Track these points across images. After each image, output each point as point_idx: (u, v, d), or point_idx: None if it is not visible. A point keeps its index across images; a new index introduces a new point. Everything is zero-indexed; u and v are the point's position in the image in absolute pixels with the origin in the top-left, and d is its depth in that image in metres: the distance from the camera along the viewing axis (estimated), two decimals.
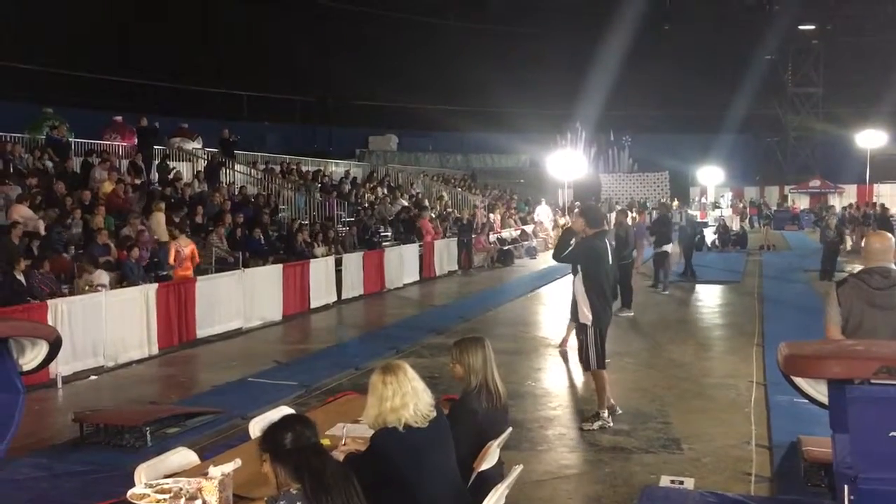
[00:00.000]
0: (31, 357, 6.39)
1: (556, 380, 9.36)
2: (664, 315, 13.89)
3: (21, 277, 10.51)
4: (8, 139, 17.66)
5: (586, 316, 7.19)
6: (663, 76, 41.80)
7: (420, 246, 20.29)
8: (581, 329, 7.33)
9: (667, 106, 45.31)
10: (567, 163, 34.95)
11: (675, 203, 36.24)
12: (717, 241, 28.02)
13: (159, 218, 14.80)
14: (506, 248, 24.77)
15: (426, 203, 26.57)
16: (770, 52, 46.53)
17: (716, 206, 43.63)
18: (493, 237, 25.17)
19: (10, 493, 5.69)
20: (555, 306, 14.88)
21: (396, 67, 39.79)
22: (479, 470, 3.99)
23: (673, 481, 5.84)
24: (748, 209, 41.25)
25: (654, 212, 22.87)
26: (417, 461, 3.67)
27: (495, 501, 3.63)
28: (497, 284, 19.24)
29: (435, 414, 3.84)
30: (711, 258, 23.72)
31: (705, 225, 34.19)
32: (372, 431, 3.78)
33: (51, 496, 5.51)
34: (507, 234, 26.90)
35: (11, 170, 15.19)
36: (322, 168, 27.79)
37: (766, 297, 15.64)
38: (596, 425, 7.16)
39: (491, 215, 27.42)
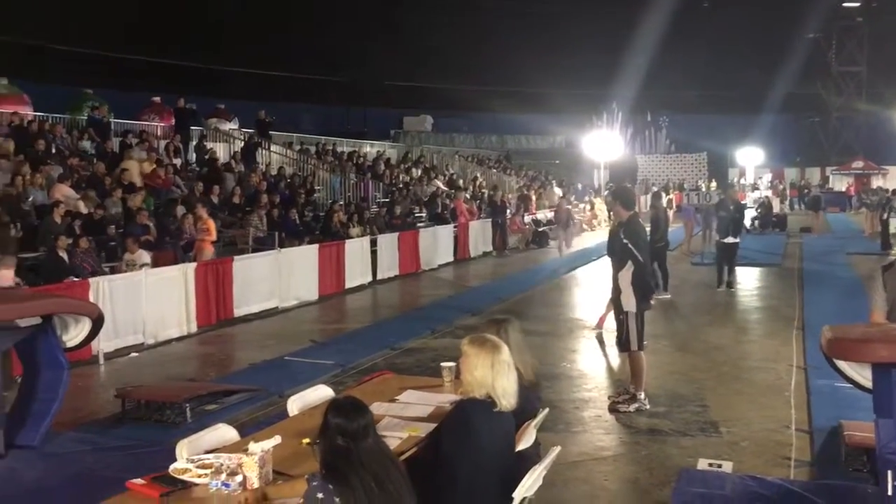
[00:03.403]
0: (74, 334, 6.54)
1: (591, 361, 9.31)
2: (702, 298, 13.73)
3: (64, 255, 10.71)
4: (49, 120, 17.94)
5: (630, 303, 7.11)
6: (702, 55, 41.15)
7: (454, 227, 20.27)
8: (622, 312, 7.25)
9: (706, 86, 44.60)
10: (603, 144, 34.61)
11: (713, 185, 35.71)
12: (756, 224, 27.60)
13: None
14: (541, 229, 24.65)
15: (461, 184, 26.53)
16: (813, 30, 45.51)
17: (755, 187, 42.97)
18: (527, 218, 25.06)
19: (56, 466, 5.82)
20: (590, 288, 14.80)
21: (432, 48, 39.63)
22: (517, 450, 3.98)
23: (711, 464, 5.79)
24: (788, 191, 40.56)
25: (717, 196, 22.21)
26: (479, 443, 3.65)
27: (533, 482, 3.62)
28: (531, 266, 19.17)
29: (515, 403, 3.80)
30: (751, 241, 23.37)
31: (745, 206, 33.68)
32: None
33: (95, 470, 5.62)
34: (541, 215, 26.75)
35: (53, 150, 15.44)
36: (357, 149, 27.86)
37: (807, 280, 15.37)
38: (632, 407, 7.11)
39: (526, 196, 27.29)
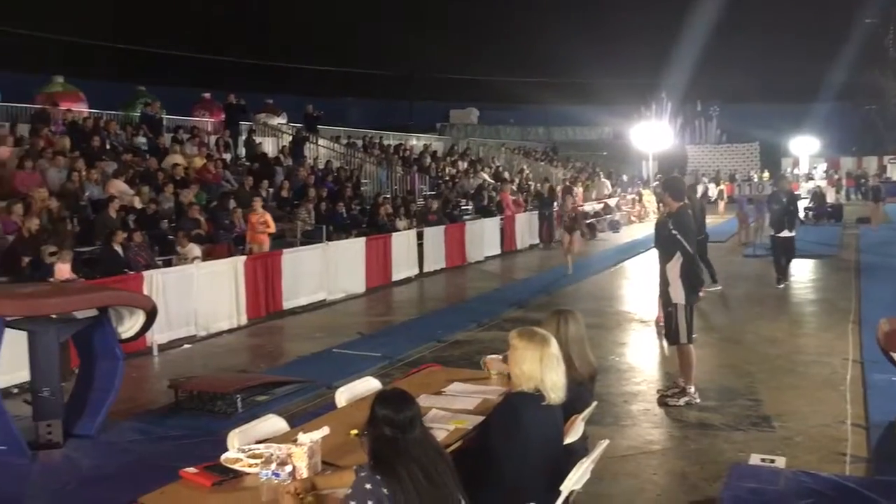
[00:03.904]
0: (128, 325, 6.70)
1: (640, 355, 9.21)
2: (753, 290, 13.47)
3: (119, 249, 10.96)
4: (104, 117, 18.35)
5: (679, 295, 7.01)
6: (755, 43, 40.26)
7: (501, 219, 20.22)
8: (670, 304, 7.16)
9: (758, 74, 43.64)
10: (651, 134, 34.13)
11: (766, 175, 35.01)
12: (810, 215, 26.98)
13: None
14: (588, 221, 24.45)
15: (506, 176, 26.44)
16: (870, 14, 44.18)
17: (809, 177, 42.00)
18: None
19: (112, 454, 5.97)
20: (638, 280, 14.64)
21: (479, 41, 39.53)
22: (564, 444, 3.96)
23: (763, 460, 5.68)
24: (844, 181, 39.54)
25: (769, 186, 21.70)
26: (527, 436, 3.65)
27: (580, 475, 3.60)
28: (579, 258, 19.02)
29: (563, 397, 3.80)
30: (805, 232, 22.85)
31: (798, 197, 32.94)
32: None
33: (149, 459, 5.75)
34: (589, 207, 26.54)
35: (108, 146, 15.79)
36: (403, 142, 27.94)
37: (864, 272, 14.97)
38: (682, 401, 7.02)
39: (573, 188, 27.07)
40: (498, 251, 19.40)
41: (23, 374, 6.68)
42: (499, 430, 3.70)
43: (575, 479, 3.55)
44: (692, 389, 7.09)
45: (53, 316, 6.08)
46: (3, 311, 5.71)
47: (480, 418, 4.09)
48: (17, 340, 6.12)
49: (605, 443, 3.96)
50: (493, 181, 24.77)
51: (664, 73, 36.75)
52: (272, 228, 13.54)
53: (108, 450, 6.04)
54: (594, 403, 4.50)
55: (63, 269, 9.59)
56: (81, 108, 19.33)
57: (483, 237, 18.82)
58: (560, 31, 37.94)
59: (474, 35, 39.32)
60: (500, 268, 17.76)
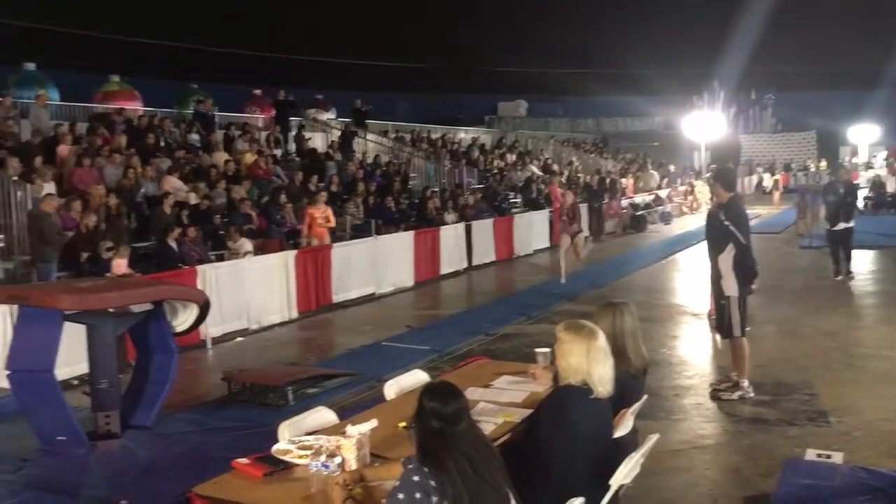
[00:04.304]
0: (182, 319, 6.84)
1: (692, 348, 9.08)
2: (810, 282, 13.16)
3: (173, 244, 11.18)
4: (157, 114, 18.72)
5: (731, 288, 6.88)
6: (811, 28, 39.14)
7: (550, 212, 20.09)
8: (722, 296, 7.03)
9: (815, 60, 42.43)
10: (704, 124, 33.56)
11: (823, 164, 34.15)
12: (869, 205, 26.23)
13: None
14: (639, 213, 24.17)
15: (555, 168, 26.27)
16: None
17: (868, 166, 40.82)
18: (625, 202, 24.60)
19: (167, 445, 6.11)
20: (690, 273, 14.42)
21: (527, 33, 39.22)
22: (614, 437, 3.92)
23: (819, 455, 5.55)
24: None
25: (826, 176, 21.12)
26: (575, 430, 3.62)
27: (630, 469, 3.56)
28: (629, 250, 18.82)
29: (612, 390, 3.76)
30: (864, 222, 22.21)
31: (857, 187, 32.06)
32: None
33: (203, 449, 5.86)
34: (639, 199, 26.22)
35: (162, 143, 16.12)
36: (451, 135, 27.95)
37: None
38: (735, 395, 6.90)
39: (623, 180, 26.81)
40: (547, 244, 19.29)
41: (82, 367, 6.87)
42: (546, 424, 3.68)
43: (624, 474, 3.52)
44: (746, 383, 6.96)
45: (110, 310, 6.23)
46: (63, 305, 5.87)
47: (528, 411, 4.07)
48: (76, 334, 6.29)
49: (655, 437, 3.91)
50: (541, 173, 24.63)
51: (717, 61, 35.99)
52: (332, 223, 13.77)
53: (164, 441, 6.18)
54: (644, 397, 4.45)
55: (120, 265, 9.84)
56: (136, 107, 19.76)
57: (531, 230, 18.74)
58: (609, 21, 37.41)
59: (522, 27, 39.02)
60: (549, 260, 17.64)
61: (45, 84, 19.56)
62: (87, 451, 5.88)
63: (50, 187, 11.82)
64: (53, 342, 5.80)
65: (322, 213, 13.70)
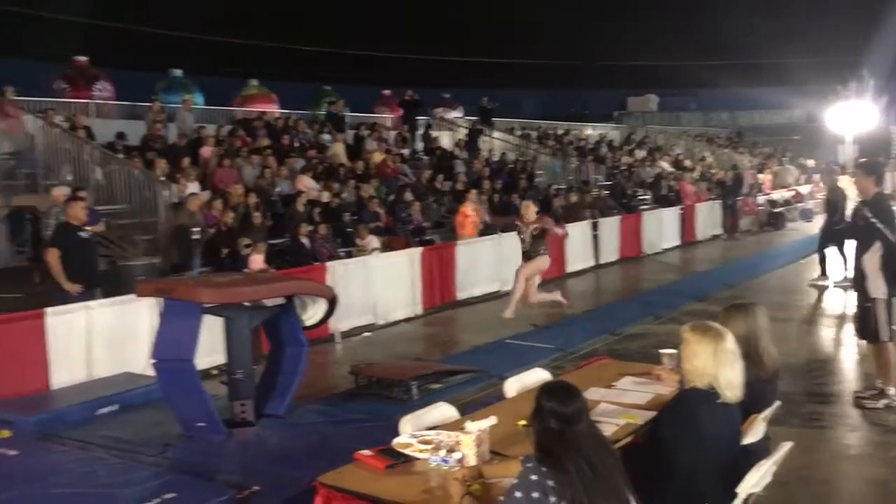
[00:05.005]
0: (311, 313, 7.06)
1: (833, 352, 8.59)
2: None
3: (305, 241, 11.60)
4: (292, 116, 19.48)
5: (878, 289, 6.44)
6: None
7: (681, 209, 19.50)
8: (868, 299, 6.59)
9: None
10: (850, 116, 31.60)
11: None
12: None
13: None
14: (777, 210, 23.06)
15: (687, 164, 25.47)
16: None
17: None
18: (761, 199, 23.53)
19: (297, 434, 6.32)
20: (832, 273, 13.60)
21: (656, 25, 38.14)
22: (743, 444, 3.76)
23: None
24: None
25: None
26: (700, 435, 3.49)
27: (760, 478, 3.40)
28: (766, 249, 17.99)
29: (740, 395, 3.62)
30: None
31: None
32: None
33: (330, 440, 6.03)
34: (778, 195, 25.00)
35: (296, 144, 16.75)
36: (578, 132, 27.62)
37: None
38: (881, 403, 6.46)
39: (760, 175, 25.65)
40: (677, 242, 18.73)
41: (220, 358, 7.21)
42: (670, 428, 3.57)
43: (753, 482, 3.37)
44: (893, 391, 6.51)
45: (246, 304, 6.51)
46: (202, 298, 6.17)
47: (652, 414, 3.96)
48: (214, 326, 6.63)
49: (788, 445, 3.71)
50: (672, 169, 23.93)
51: (865, 48, 33.79)
52: (486, 218, 13.99)
53: (294, 430, 6.40)
54: (777, 403, 4.23)
55: (257, 260, 10.29)
56: (273, 109, 20.64)
57: (661, 228, 18.23)
58: (743, 9, 35.83)
59: (650, 19, 37.97)
60: (679, 259, 17.14)
61: (191, 89, 20.78)
62: (223, 438, 6.15)
63: (193, 187, 12.53)
64: (193, 333, 6.09)
65: (474, 211, 13.86)
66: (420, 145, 20.52)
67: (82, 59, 20.33)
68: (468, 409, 4.94)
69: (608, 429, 3.73)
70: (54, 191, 10.80)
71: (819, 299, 11.77)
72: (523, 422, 3.77)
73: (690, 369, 3.59)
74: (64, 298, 8.15)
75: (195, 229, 10.82)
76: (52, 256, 8.42)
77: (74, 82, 19.77)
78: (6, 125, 13.95)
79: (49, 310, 7.66)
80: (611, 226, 16.52)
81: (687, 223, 19.43)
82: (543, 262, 10.50)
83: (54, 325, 7.57)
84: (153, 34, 25.05)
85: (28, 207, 13.04)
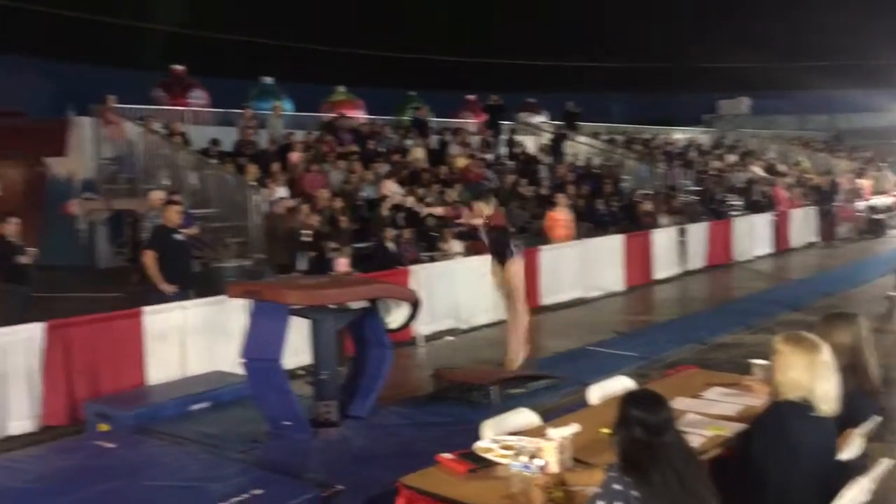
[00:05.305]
0: (395, 317, 7.14)
1: None
2: None
3: (390, 245, 11.72)
4: (377, 122, 19.75)
5: None
6: None
7: (774, 216, 18.87)
8: None
9: None
10: None
11: None
12: None
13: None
14: (877, 216, 22.05)
15: (780, 169, 24.63)
16: None
17: None
18: (861, 205, 22.55)
19: (382, 436, 6.40)
20: None
21: (747, 24, 37.03)
22: (839, 460, 3.60)
23: None
24: None
25: None
26: (793, 449, 3.38)
27: (855, 495, 3.25)
28: (865, 257, 17.22)
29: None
30: None
31: None
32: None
33: (415, 443, 6.07)
34: (878, 201, 23.90)
35: (382, 149, 16.97)
36: (665, 136, 27.07)
37: None
38: None
39: (859, 181, 24.58)
40: (770, 249, 18.13)
41: (306, 358, 7.36)
42: (762, 441, 3.45)
43: (848, 500, 3.22)
44: None
45: (331, 306, 6.63)
46: (289, 300, 6.33)
47: (742, 426, 3.84)
48: (301, 328, 6.77)
49: (887, 462, 3.54)
50: (764, 174, 23.18)
51: None
52: (572, 230, 13.87)
53: (377, 431, 6.48)
54: (878, 419, 4.04)
55: (342, 264, 10.46)
56: (360, 115, 20.98)
57: (752, 234, 17.69)
58: (839, 7, 34.42)
59: (742, 18, 36.88)
60: (772, 267, 16.58)
61: (281, 96, 21.32)
62: (309, 437, 6.27)
63: (282, 191, 12.84)
64: (281, 334, 6.24)
65: (561, 215, 13.79)
66: (504, 150, 20.49)
67: (179, 68, 21.13)
68: (550, 416, 4.89)
69: (695, 440, 3.63)
70: (151, 194, 11.20)
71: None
72: (606, 430, 3.72)
73: (784, 381, 3.47)
74: (160, 298, 8.47)
75: (305, 231, 11.03)
76: (149, 258, 8.76)
77: (171, 90, 20.56)
78: (108, 131, 14.64)
79: (146, 309, 7.98)
80: (699, 232, 16.13)
81: (780, 230, 18.79)
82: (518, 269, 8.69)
83: (151, 323, 7.87)
84: (246, 43, 25.86)
85: (128, 210, 13.63)
